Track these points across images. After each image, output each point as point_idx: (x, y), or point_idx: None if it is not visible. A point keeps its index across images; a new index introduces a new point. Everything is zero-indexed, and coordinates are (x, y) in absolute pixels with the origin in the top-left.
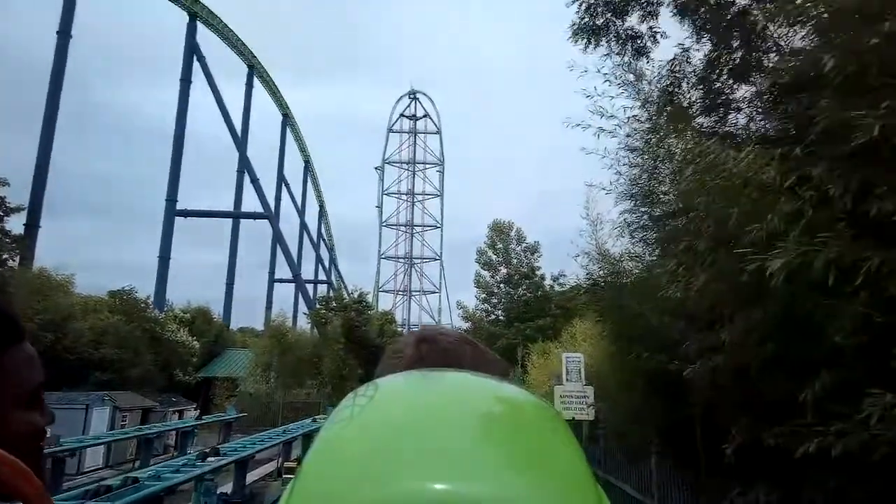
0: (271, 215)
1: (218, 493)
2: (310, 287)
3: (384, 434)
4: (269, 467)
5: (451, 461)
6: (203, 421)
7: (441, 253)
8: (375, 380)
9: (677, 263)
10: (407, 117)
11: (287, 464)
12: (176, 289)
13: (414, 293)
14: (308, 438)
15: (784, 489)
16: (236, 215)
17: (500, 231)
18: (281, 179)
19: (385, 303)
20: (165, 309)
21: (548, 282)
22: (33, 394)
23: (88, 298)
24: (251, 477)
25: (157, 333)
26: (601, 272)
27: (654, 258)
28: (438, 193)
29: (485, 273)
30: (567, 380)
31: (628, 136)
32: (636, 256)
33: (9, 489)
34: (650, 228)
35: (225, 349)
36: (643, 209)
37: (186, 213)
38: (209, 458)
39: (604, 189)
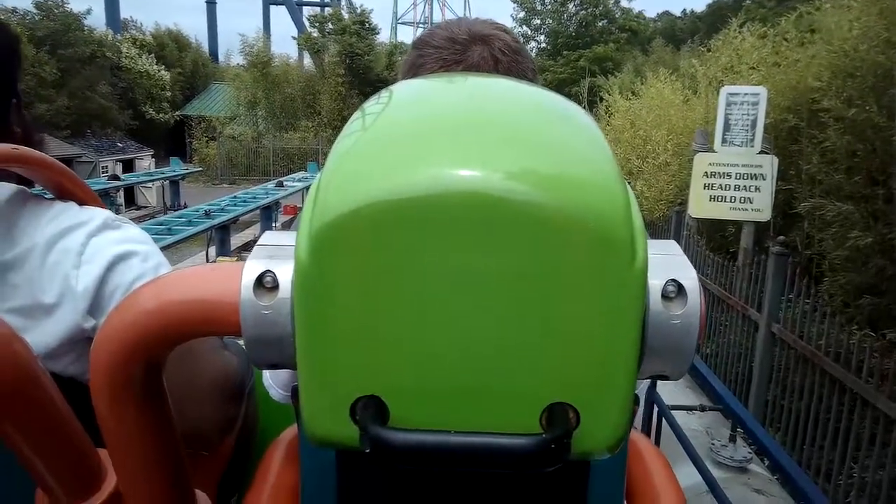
0: None
1: None
2: (309, 10)
3: (409, 128)
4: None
5: (486, 152)
6: (120, 183)
7: None
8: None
9: None
10: None
11: (221, 258)
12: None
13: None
14: (267, 212)
15: None
16: None
17: None
18: None
19: (405, 37)
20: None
21: None
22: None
23: None
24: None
25: (106, 59)
26: None
27: None
28: None
29: None
30: (726, 141)
31: None
32: None
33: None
34: None
35: (211, 83)
36: None
37: None
38: None
39: None
